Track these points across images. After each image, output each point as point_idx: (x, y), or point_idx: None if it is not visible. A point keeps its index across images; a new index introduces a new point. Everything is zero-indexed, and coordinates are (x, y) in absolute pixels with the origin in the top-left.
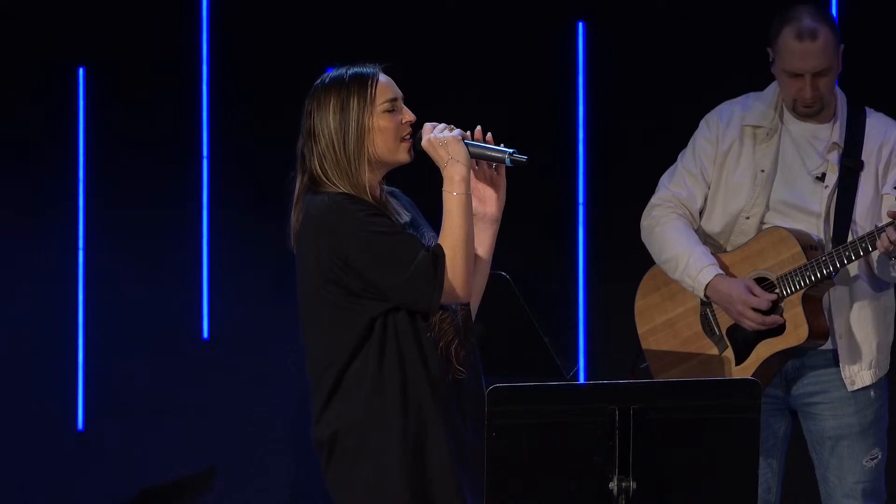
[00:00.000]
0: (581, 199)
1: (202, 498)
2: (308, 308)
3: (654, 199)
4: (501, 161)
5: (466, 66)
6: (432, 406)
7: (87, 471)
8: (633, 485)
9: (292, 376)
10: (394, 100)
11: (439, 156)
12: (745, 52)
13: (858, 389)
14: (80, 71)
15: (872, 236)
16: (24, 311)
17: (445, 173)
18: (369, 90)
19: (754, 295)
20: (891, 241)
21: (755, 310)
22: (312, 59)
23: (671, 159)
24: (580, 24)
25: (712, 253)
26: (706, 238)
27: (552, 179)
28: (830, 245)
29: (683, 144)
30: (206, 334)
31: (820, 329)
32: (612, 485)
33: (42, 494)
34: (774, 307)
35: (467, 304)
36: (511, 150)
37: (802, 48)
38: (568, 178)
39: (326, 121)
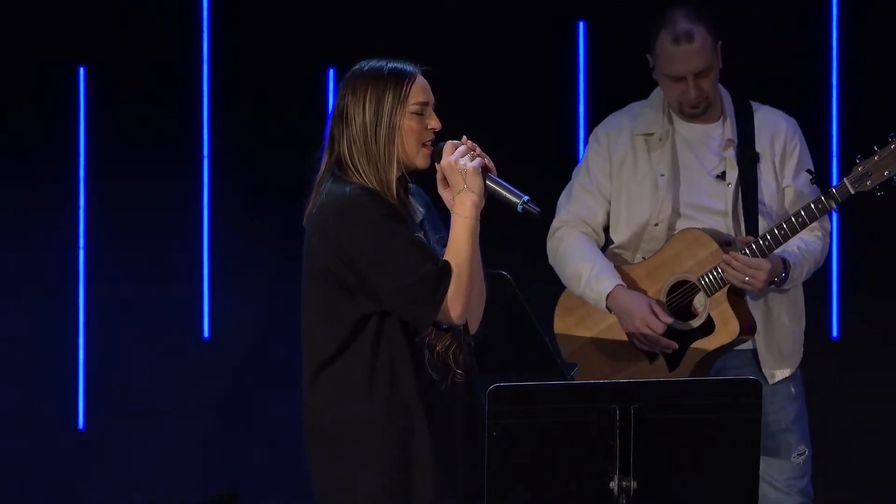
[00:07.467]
0: None
1: (202, 498)
2: (306, 288)
3: (554, 223)
4: (513, 206)
5: (466, 65)
6: (420, 408)
7: (87, 471)
8: (633, 485)
9: (293, 376)
10: (425, 104)
11: (455, 181)
12: (745, 51)
13: (778, 383)
14: (81, 71)
15: (791, 223)
16: (24, 310)
17: (457, 198)
18: (404, 88)
19: (655, 316)
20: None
21: (652, 330)
22: (312, 58)
23: None
24: (580, 24)
25: (630, 263)
26: (615, 251)
27: (552, 179)
28: None
29: None
30: (206, 334)
31: (749, 323)
32: (612, 485)
33: (42, 494)
34: (689, 316)
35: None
36: (526, 198)
37: (680, 51)
38: (568, 178)
39: (360, 109)
